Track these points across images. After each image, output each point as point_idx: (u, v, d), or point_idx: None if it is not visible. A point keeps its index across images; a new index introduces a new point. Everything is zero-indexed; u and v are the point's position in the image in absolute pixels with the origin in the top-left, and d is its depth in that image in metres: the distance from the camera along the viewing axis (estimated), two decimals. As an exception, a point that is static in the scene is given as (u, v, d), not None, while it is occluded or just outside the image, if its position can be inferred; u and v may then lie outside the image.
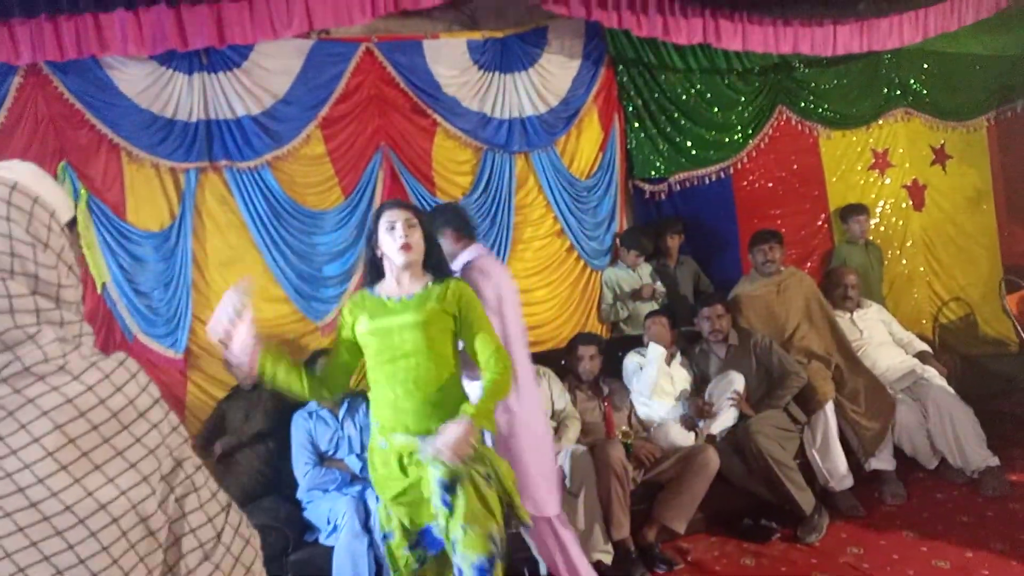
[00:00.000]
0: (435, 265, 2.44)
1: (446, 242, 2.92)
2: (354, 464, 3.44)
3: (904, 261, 5.35)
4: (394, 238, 2.31)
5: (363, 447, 3.44)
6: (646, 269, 4.73)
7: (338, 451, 3.48)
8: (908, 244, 5.37)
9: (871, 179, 5.30)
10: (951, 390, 3.90)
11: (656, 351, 3.93)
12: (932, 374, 4.00)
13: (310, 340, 3.97)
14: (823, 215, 5.17)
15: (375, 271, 2.43)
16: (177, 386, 3.71)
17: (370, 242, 2.39)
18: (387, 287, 2.41)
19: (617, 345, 4.46)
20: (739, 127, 5.01)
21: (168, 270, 3.72)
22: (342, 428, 3.51)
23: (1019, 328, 4.83)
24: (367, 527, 3.11)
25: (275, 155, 3.88)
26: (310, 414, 3.52)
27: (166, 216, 3.75)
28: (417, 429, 2.28)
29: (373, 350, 2.34)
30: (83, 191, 3.59)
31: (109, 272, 3.64)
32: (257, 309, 3.79)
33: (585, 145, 4.76)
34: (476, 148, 4.43)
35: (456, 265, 2.85)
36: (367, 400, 3.65)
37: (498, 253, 4.48)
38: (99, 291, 3.61)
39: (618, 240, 4.80)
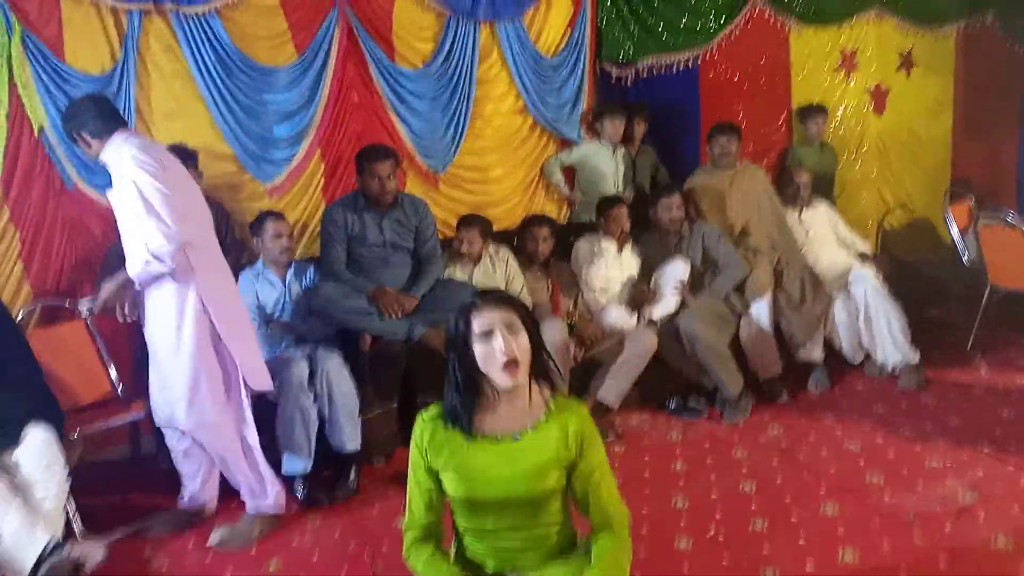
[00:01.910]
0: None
1: (86, 149, 2.74)
2: (300, 326, 3.46)
3: (858, 165, 5.42)
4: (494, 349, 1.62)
5: (309, 310, 3.46)
6: (621, 152, 4.70)
7: (283, 313, 3.49)
8: (864, 148, 5.42)
9: (836, 80, 5.27)
10: (883, 289, 4.05)
11: (611, 250, 4.05)
12: (868, 273, 4.14)
13: (257, 202, 3.90)
14: (784, 113, 5.16)
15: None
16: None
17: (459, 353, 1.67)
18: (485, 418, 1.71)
19: (570, 229, 4.49)
20: (712, 14, 4.89)
21: (110, 118, 3.55)
22: (289, 291, 3.51)
23: (957, 238, 4.99)
24: (311, 385, 3.18)
25: (225, 2, 3.64)
26: (256, 275, 3.50)
27: (107, 60, 3.53)
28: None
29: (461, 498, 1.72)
30: (17, 25, 3.36)
31: (46, 115, 3.46)
32: (204, 166, 3.73)
33: (554, 20, 4.61)
34: (439, 14, 4.24)
35: (107, 159, 2.68)
36: (314, 264, 3.68)
37: (456, 128, 4.39)
38: (36, 134, 3.45)
39: (595, 113, 4.72)
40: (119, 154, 2.65)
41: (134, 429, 3.44)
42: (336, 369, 3.20)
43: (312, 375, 3.19)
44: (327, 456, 3.20)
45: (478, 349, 1.62)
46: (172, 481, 3.07)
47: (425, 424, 1.72)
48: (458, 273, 3.85)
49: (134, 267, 2.64)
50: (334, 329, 3.50)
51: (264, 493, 2.91)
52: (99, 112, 2.72)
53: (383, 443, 3.46)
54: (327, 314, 3.41)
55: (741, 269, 3.99)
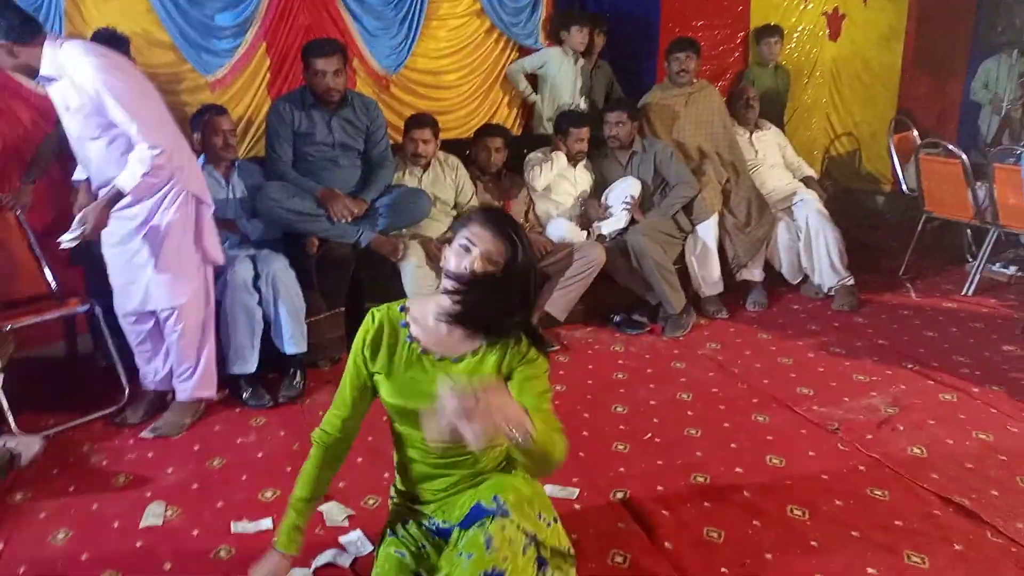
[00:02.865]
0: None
1: (5, 58, 2.46)
2: (245, 227, 3.37)
3: (810, 91, 5.45)
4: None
5: (254, 210, 3.36)
6: (581, 63, 4.60)
7: (227, 212, 3.39)
8: (816, 74, 5.45)
9: (795, 2, 5.23)
10: (825, 212, 4.15)
11: (561, 160, 4.02)
12: (811, 196, 4.23)
13: (198, 95, 3.72)
14: (742, 33, 5.11)
15: None
16: (51, 126, 3.42)
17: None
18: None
19: (526, 141, 4.42)
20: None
21: (36, -5, 3.30)
22: (233, 191, 3.40)
23: (897, 168, 5.11)
24: (256, 286, 3.13)
25: None
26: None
27: (31, -70, 3.27)
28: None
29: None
30: None
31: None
32: (140, 53, 3.52)
33: (513, -83, 4.42)
34: (394, -99, 4.03)
35: (49, 71, 2.46)
36: (260, 163, 3.56)
37: (409, 28, 4.23)
38: (-47, 10, 3.18)
39: (560, 19, 4.59)
40: (75, 65, 2.42)
41: (69, 327, 3.35)
42: (282, 270, 3.14)
43: (257, 277, 3.13)
44: (273, 359, 3.18)
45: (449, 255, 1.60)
46: (109, 379, 3.02)
47: (374, 322, 1.68)
48: (407, 179, 3.77)
49: (130, 182, 2.51)
50: (280, 231, 3.42)
51: (199, 380, 2.92)
52: (15, 12, 2.42)
53: (329, 346, 3.45)
54: (273, 215, 3.32)
55: (691, 188, 4.02)
